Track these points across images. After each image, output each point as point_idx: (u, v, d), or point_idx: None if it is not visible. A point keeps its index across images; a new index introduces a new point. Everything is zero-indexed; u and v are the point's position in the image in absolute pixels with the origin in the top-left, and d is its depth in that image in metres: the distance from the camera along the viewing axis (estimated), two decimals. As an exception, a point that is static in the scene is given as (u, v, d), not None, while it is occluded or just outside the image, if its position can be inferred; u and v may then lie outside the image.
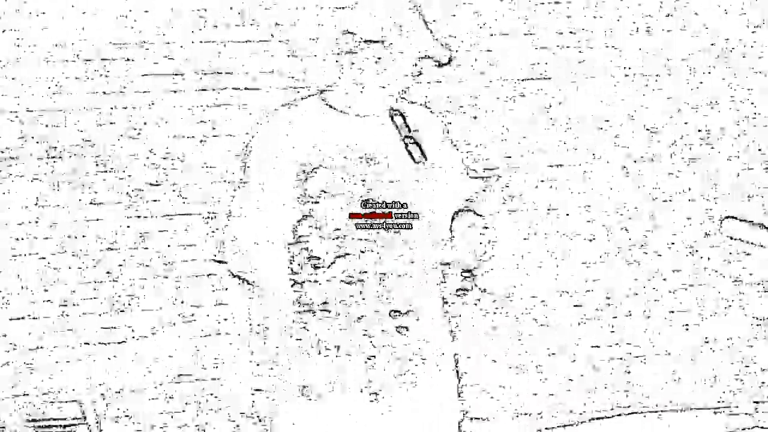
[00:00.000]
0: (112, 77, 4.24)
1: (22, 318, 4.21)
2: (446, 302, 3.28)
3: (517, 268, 4.56)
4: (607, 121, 4.62)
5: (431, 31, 3.19)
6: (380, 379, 3.12)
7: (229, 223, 3.20)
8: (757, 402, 4.57)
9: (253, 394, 3.22)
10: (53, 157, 4.21)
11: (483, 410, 4.57)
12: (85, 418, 3.88)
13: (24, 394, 4.20)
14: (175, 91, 4.29)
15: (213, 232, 4.31)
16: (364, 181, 3.13)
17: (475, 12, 4.49)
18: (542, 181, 4.57)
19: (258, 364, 3.21)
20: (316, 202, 3.12)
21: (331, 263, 3.11)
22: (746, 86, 4.70)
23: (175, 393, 4.27)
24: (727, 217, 3.09)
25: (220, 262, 3.22)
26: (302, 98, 3.25)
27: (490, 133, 4.52)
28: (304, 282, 3.12)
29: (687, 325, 4.70)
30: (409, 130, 3.17)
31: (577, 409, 4.63)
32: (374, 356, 3.12)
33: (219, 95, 4.32)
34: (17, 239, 4.19)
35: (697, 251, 4.69)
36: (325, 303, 3.11)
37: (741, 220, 3.06)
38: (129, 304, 4.29)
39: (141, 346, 3.58)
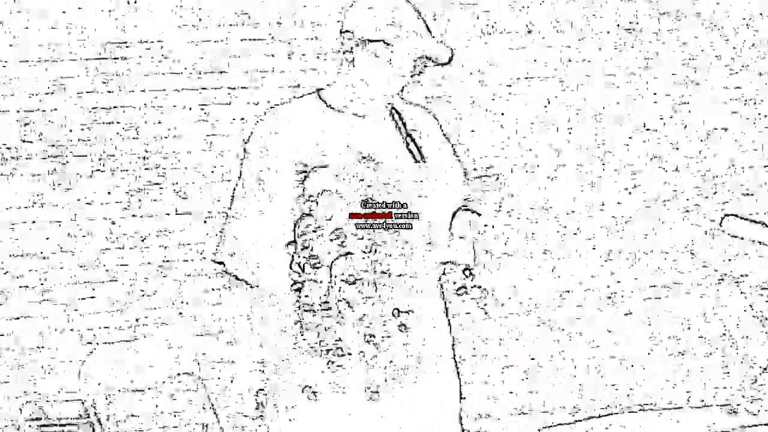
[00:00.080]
0: (112, 77, 4.24)
1: (23, 317, 4.21)
2: (446, 302, 3.28)
3: (517, 268, 4.56)
4: (607, 121, 4.62)
5: (431, 31, 3.19)
6: (380, 379, 3.12)
7: (228, 223, 3.20)
8: (757, 399, 4.57)
9: (253, 395, 3.22)
10: (53, 157, 4.21)
11: (483, 410, 4.58)
12: (87, 417, 3.88)
13: (25, 393, 4.20)
14: (175, 91, 4.30)
15: (213, 232, 4.31)
16: (363, 181, 3.13)
17: (475, 12, 4.49)
18: (542, 181, 4.58)
19: (258, 364, 3.21)
20: (316, 202, 3.12)
21: (331, 263, 3.11)
22: (747, 85, 4.70)
23: (175, 393, 4.28)
24: (727, 215, 3.09)
25: (219, 262, 3.22)
26: (300, 96, 3.25)
27: (490, 133, 4.52)
28: (304, 282, 3.12)
29: (687, 325, 4.70)
30: (407, 129, 3.17)
31: (577, 409, 4.63)
32: (374, 356, 3.12)
33: (219, 95, 4.33)
34: (17, 239, 4.20)
35: (697, 251, 4.70)
36: (325, 303, 3.11)
37: (741, 218, 3.07)
38: (129, 304, 4.29)
39: (141, 346, 3.58)
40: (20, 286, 4.20)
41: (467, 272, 3.19)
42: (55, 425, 4.00)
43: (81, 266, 4.24)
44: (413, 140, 3.17)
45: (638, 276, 4.66)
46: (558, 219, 4.58)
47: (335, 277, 3.11)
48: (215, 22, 4.31)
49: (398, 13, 3.12)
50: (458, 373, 3.28)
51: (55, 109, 4.20)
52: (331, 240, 3.11)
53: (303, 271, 3.12)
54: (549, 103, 4.58)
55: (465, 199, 3.30)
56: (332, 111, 3.19)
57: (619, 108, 4.62)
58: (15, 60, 4.18)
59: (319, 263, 3.11)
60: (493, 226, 4.02)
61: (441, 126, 3.31)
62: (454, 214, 3.23)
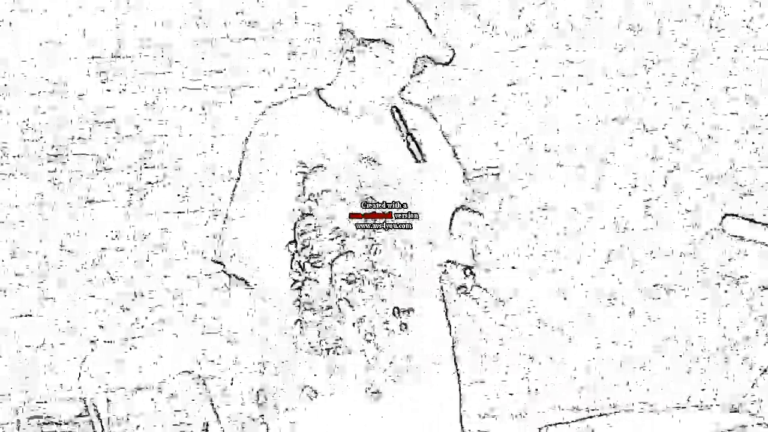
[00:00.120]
0: (112, 77, 4.24)
1: (23, 317, 4.21)
2: (446, 302, 3.27)
3: (517, 268, 4.55)
4: (607, 121, 4.62)
5: (431, 31, 3.19)
6: (380, 379, 3.12)
7: (228, 223, 3.20)
8: (757, 400, 4.57)
9: (254, 394, 3.22)
10: (53, 156, 4.21)
11: (483, 410, 4.57)
12: (87, 416, 3.88)
13: (25, 393, 4.20)
14: (175, 90, 4.29)
15: (213, 232, 4.31)
16: (364, 181, 3.13)
17: (474, 12, 4.49)
18: (542, 181, 4.57)
19: (258, 364, 3.21)
20: (316, 202, 3.12)
21: (332, 263, 3.11)
22: (747, 85, 4.70)
23: (175, 392, 4.27)
24: (727, 215, 3.09)
25: (219, 263, 3.22)
26: (300, 95, 3.25)
27: (490, 133, 4.52)
28: (304, 282, 3.12)
29: (687, 325, 4.69)
30: (408, 129, 3.17)
31: (577, 409, 4.63)
32: (374, 356, 3.12)
33: (219, 94, 4.32)
34: (17, 239, 4.19)
35: (697, 251, 4.69)
36: (325, 303, 3.11)
37: (741, 218, 3.06)
38: (129, 304, 4.29)
39: (142, 346, 3.58)
40: (20, 286, 4.20)
41: (467, 272, 3.19)
42: (55, 425, 4.00)
43: (81, 266, 4.23)
44: (414, 139, 3.16)
45: (638, 276, 4.66)
46: (558, 219, 4.58)
47: (336, 276, 3.11)
48: (215, 22, 4.31)
49: (398, 13, 3.12)
50: (458, 372, 3.28)
51: (55, 109, 4.20)
52: (331, 240, 3.11)
53: (303, 270, 3.12)
54: (549, 103, 4.57)
55: (465, 199, 3.30)
56: (332, 111, 3.19)
57: (619, 108, 4.62)
58: (15, 60, 4.17)
59: (319, 263, 3.11)
60: (492, 228, 4.02)
61: (441, 126, 3.32)
62: (453, 214, 3.23)
